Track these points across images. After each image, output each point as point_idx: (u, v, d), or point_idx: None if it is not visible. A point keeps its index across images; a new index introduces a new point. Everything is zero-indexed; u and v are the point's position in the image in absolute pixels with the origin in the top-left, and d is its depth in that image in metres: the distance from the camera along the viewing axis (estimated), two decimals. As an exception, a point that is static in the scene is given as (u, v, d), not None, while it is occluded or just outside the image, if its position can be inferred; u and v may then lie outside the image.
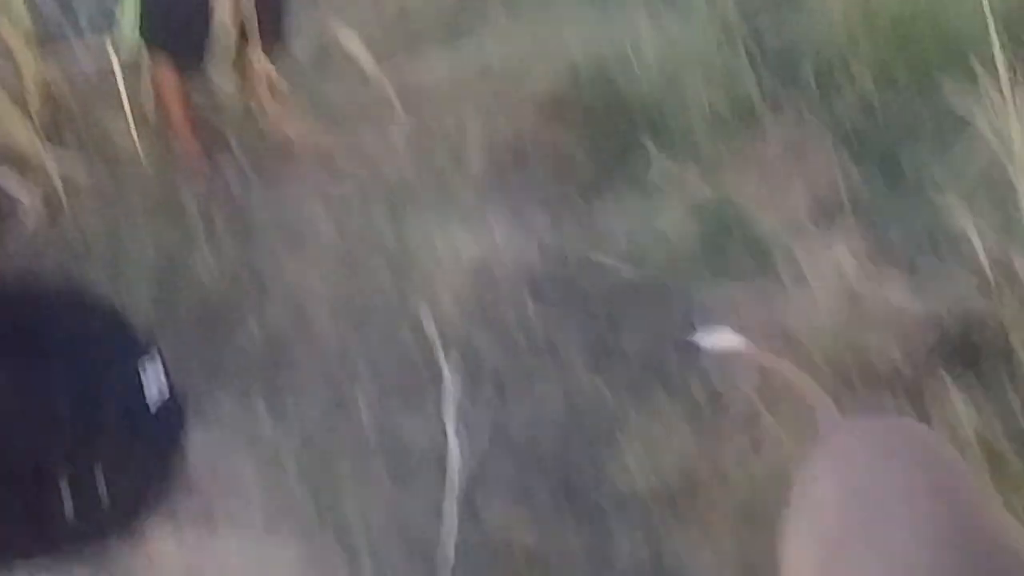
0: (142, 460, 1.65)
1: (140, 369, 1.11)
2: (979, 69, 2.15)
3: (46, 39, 2.29)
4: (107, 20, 2.35)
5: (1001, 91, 2.04)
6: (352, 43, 2.64)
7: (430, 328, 2.09)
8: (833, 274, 2.15)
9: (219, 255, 2.29)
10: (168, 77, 2.23)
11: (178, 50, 2.19)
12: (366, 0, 3.23)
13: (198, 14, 2.12)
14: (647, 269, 2.31)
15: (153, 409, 1.59)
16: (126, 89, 2.23)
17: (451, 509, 1.79)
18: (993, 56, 2.06)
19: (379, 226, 2.44)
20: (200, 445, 1.81)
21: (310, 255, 2.37)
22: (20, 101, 2.14)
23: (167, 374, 1.56)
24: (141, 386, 1.11)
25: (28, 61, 2.15)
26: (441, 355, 2.04)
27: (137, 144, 2.29)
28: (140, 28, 2.12)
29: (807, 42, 2.82)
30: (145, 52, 2.21)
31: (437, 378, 2.02)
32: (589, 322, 2.17)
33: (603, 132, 2.72)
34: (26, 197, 2.12)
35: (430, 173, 2.60)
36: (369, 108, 2.70)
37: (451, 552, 1.73)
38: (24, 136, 2.13)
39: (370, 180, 2.56)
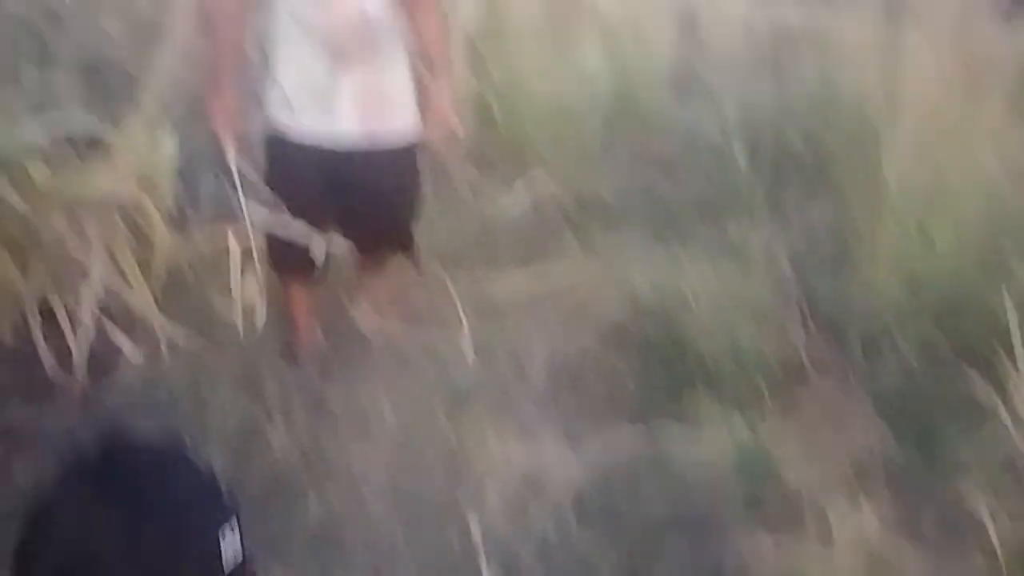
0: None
1: (221, 534, 1.20)
2: (1006, 363, 2.33)
3: (177, 219, 2.58)
4: (230, 210, 2.67)
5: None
6: (435, 258, 2.90)
7: (476, 533, 2.21)
8: (858, 537, 2.25)
9: (292, 431, 2.48)
10: (295, 289, 2.51)
11: (300, 271, 2.47)
12: (452, 212, 3.56)
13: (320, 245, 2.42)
14: (685, 503, 2.43)
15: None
16: (237, 272, 2.51)
17: None
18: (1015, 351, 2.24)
19: (440, 425, 2.62)
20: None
21: (373, 443, 2.53)
22: (146, 270, 2.41)
23: (242, 540, 1.68)
24: (220, 551, 1.20)
25: (161, 237, 2.43)
26: (483, 562, 2.14)
27: (238, 322, 2.53)
28: (268, 256, 2.42)
29: (857, 309, 3.01)
30: (261, 241, 2.48)
31: (477, 582, 2.12)
32: (627, 547, 2.28)
33: (657, 365, 2.92)
34: (131, 354, 2.33)
35: (492, 382, 2.79)
36: (445, 314, 2.92)
37: None
38: (142, 301, 2.38)
39: (437, 381, 2.76)
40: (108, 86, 3.93)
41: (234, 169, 2.76)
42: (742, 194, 4.19)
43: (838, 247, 3.31)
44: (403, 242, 2.53)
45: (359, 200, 2.42)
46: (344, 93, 2.28)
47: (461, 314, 2.87)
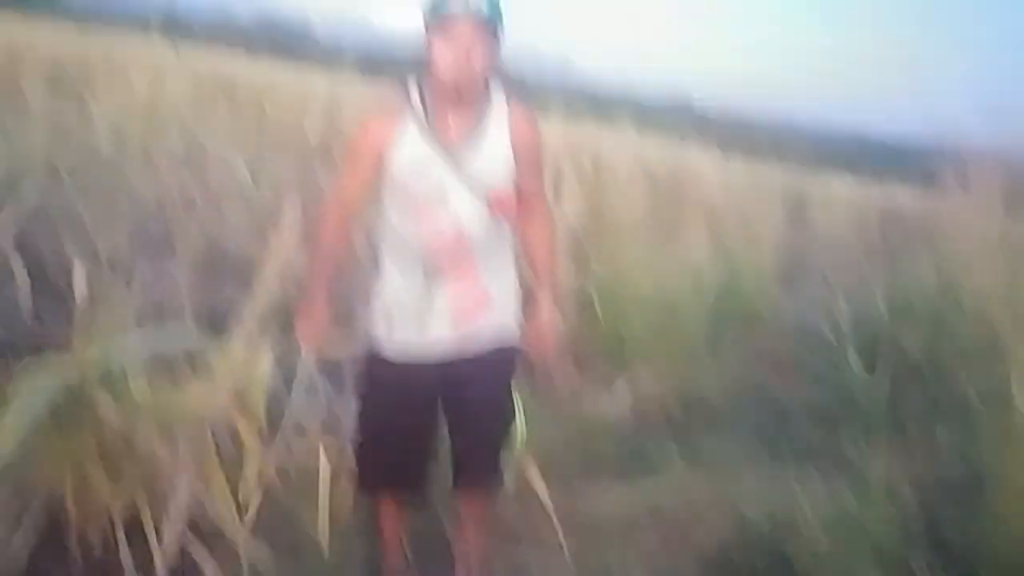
0: None
1: None
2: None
3: (268, 433, 2.56)
4: (323, 425, 2.66)
5: None
6: (530, 468, 2.78)
7: None
8: None
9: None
10: (385, 506, 2.43)
11: (391, 488, 2.39)
12: (549, 414, 3.46)
13: (414, 463, 2.35)
14: None
15: None
16: (326, 489, 2.45)
17: None
18: None
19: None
20: None
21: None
22: (234, 486, 2.37)
23: None
24: None
25: (252, 452, 2.40)
26: None
27: (325, 540, 2.45)
28: (358, 472, 2.37)
29: (989, 548, 2.73)
30: (352, 456, 2.42)
31: None
32: None
33: (765, 597, 2.68)
34: (213, 574, 2.26)
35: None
36: (540, 532, 2.78)
37: None
38: (228, 517, 2.33)
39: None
40: (222, 282, 4.09)
41: (322, 384, 2.77)
42: (858, 402, 3.99)
43: (966, 474, 3.05)
44: (494, 459, 2.41)
45: (454, 413, 2.34)
46: (439, 308, 2.23)
47: (559, 534, 2.72)
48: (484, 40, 2.07)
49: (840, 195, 13.25)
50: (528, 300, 2.43)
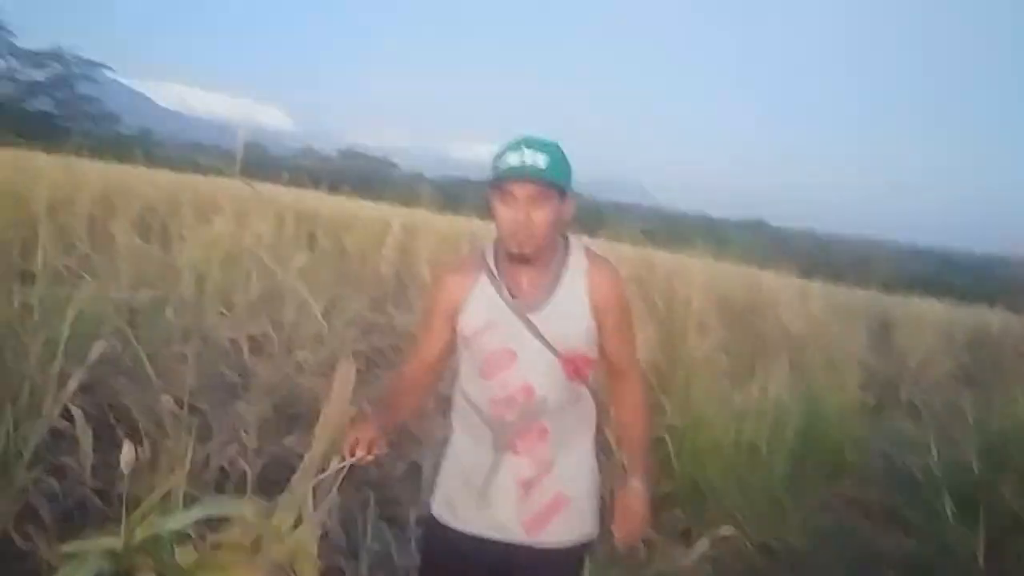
0: None
1: None
2: None
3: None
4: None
5: None
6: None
7: None
8: None
9: None
10: None
11: None
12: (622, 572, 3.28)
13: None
14: None
15: None
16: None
17: None
18: None
19: None
20: None
21: None
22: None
23: None
24: None
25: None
26: None
27: None
28: None
29: None
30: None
31: None
32: None
33: None
34: None
35: None
36: None
37: None
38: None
39: None
40: (291, 426, 4.08)
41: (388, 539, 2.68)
42: (954, 553, 3.71)
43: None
44: None
45: None
46: (506, 482, 2.08)
47: None
48: (545, 199, 1.97)
49: (926, 317, 12.85)
50: (615, 475, 2.28)
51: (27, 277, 4.74)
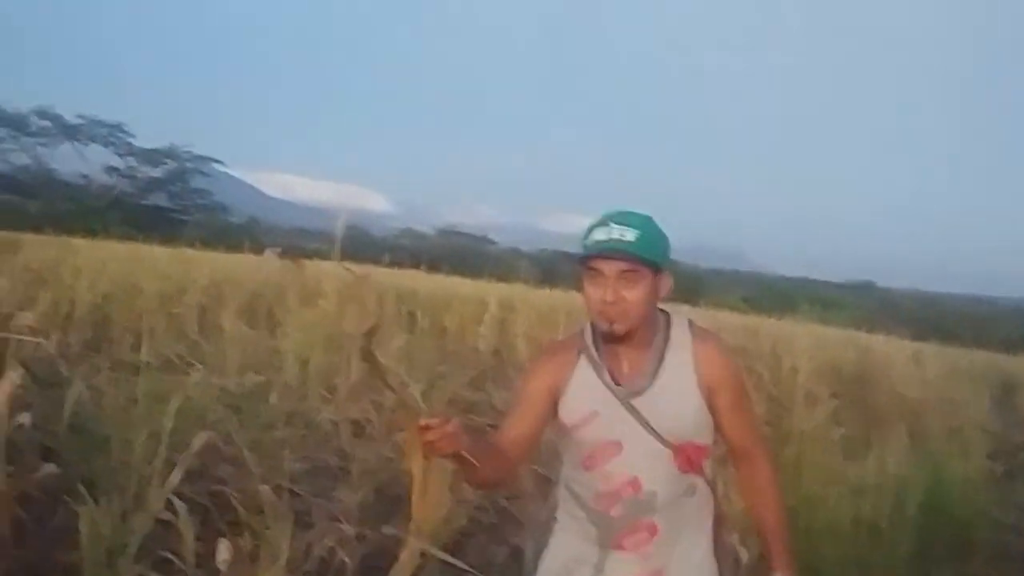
0: None
1: None
2: None
3: None
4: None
5: None
6: None
7: None
8: None
9: None
10: None
11: None
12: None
13: None
14: None
15: None
16: None
17: None
18: None
19: None
20: None
21: None
22: None
23: None
24: None
25: None
26: None
27: None
28: None
29: None
30: None
31: None
32: None
33: None
34: None
35: None
36: None
37: None
38: None
39: None
40: (394, 510, 4.06)
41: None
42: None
43: None
44: None
45: None
46: None
47: None
48: (636, 276, 1.84)
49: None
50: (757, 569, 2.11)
51: (135, 367, 4.91)
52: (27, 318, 3.58)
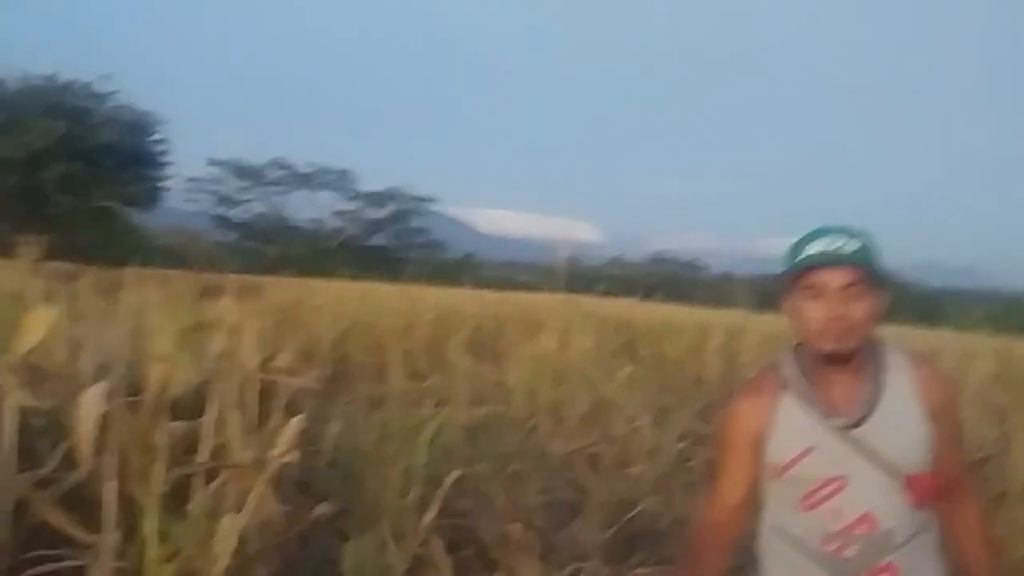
0: None
1: None
2: None
3: None
4: None
5: None
6: None
7: None
8: None
9: None
10: None
11: None
12: None
13: None
14: None
15: None
16: None
17: None
18: None
19: None
20: None
21: None
22: None
23: None
24: None
25: None
26: None
27: None
28: None
29: None
30: None
31: None
32: None
33: None
34: None
35: None
36: None
37: None
38: None
39: None
40: (630, 545, 3.96)
41: None
42: None
43: None
44: None
45: None
46: None
47: None
48: (863, 288, 1.71)
49: None
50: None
51: (375, 402, 5.10)
52: (286, 359, 3.79)
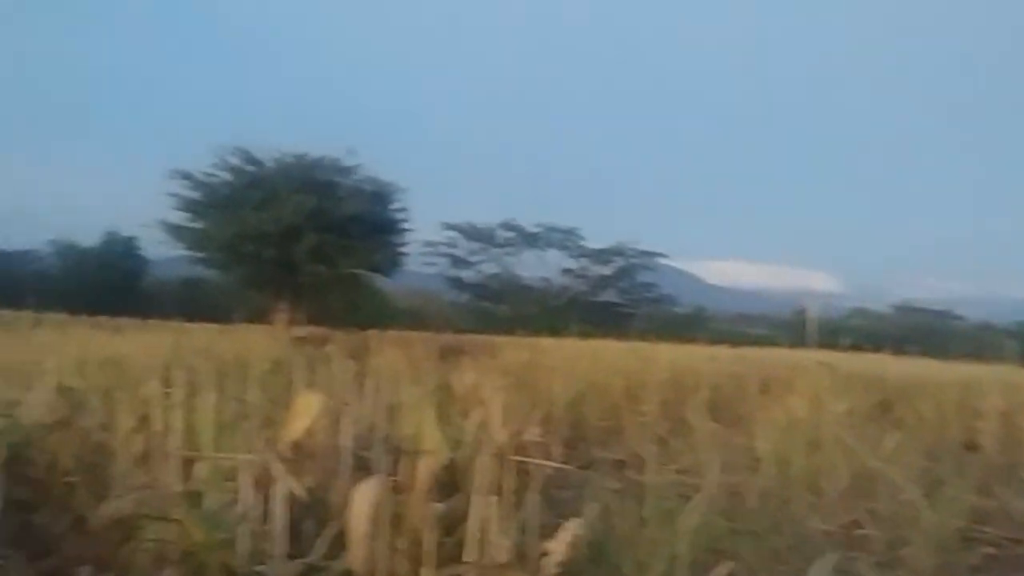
0: None
1: None
2: None
3: None
4: None
5: None
6: None
7: None
8: None
9: None
10: None
11: None
12: None
13: None
14: None
15: None
16: None
17: None
18: None
19: None
20: None
21: None
22: None
23: None
24: None
25: None
26: None
27: None
28: None
29: None
30: None
31: None
32: None
33: None
34: None
35: None
36: None
37: None
38: None
39: None
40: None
41: None
42: None
43: None
44: None
45: None
46: None
47: None
48: None
49: None
50: None
51: (618, 464, 4.88)
52: (535, 433, 3.63)
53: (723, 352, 14.73)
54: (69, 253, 45.71)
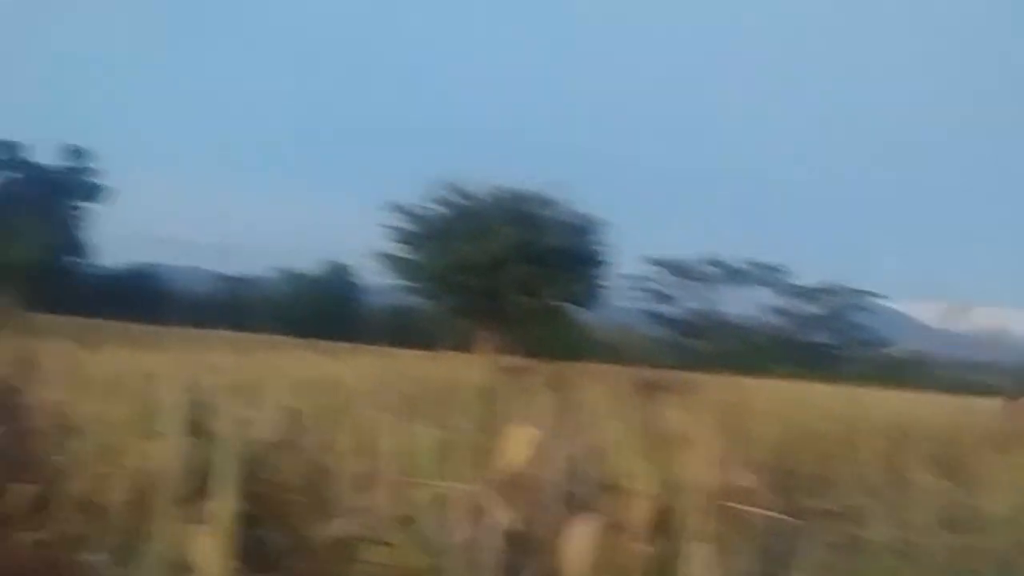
0: None
1: None
2: None
3: None
4: None
5: None
6: None
7: None
8: None
9: None
10: None
11: None
12: None
13: None
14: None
15: None
16: None
17: None
18: None
19: None
20: None
21: None
22: None
23: None
24: None
25: None
26: None
27: None
28: None
29: None
30: None
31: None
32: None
33: None
34: None
35: None
36: None
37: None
38: None
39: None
40: None
41: None
42: None
43: None
44: None
45: None
46: None
47: None
48: None
49: None
50: None
51: (830, 516, 4.63)
52: (747, 479, 3.52)
53: (946, 401, 13.75)
54: (292, 280, 49.05)
